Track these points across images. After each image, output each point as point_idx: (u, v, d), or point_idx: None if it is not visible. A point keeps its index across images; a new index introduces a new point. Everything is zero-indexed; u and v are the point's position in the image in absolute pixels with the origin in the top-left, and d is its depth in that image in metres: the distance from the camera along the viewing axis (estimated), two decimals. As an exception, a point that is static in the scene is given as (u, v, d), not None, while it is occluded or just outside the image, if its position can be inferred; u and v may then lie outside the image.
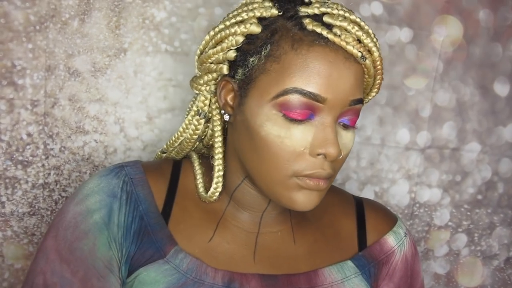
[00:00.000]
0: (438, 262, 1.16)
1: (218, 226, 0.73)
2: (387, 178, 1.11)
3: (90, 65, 0.97)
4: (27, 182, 0.98)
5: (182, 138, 0.78)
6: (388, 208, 1.10)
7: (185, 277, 0.68)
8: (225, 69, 0.70)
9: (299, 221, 0.78)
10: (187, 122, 0.77)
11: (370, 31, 0.67)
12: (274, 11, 0.66)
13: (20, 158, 0.97)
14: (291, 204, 0.68)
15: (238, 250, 0.72)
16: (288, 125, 0.65)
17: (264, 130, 0.65)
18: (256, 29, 0.66)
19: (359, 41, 0.65)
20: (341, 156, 0.67)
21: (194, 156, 0.78)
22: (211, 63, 0.71)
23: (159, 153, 0.84)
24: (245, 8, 0.69)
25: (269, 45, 0.66)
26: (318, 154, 0.65)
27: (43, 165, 0.98)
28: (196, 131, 0.77)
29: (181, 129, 0.78)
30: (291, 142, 0.65)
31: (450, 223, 1.15)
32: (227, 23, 0.69)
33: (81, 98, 0.98)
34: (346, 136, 0.68)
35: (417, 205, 1.13)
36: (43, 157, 0.98)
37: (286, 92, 0.64)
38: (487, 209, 1.16)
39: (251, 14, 0.67)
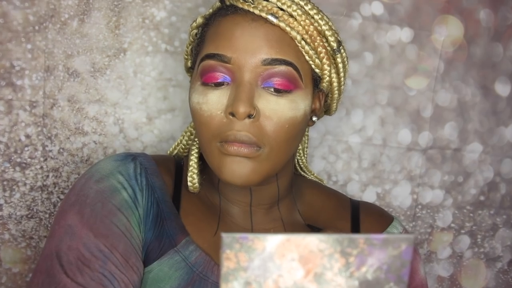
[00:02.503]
0: (441, 265, 1.15)
1: (220, 221, 0.74)
2: (389, 179, 1.11)
3: (90, 66, 0.97)
4: (25, 184, 0.97)
5: (180, 145, 0.82)
6: (391, 210, 1.10)
7: (192, 270, 0.68)
8: (189, 63, 0.78)
9: (292, 220, 0.78)
10: (186, 129, 0.83)
11: (294, 1, 0.70)
12: (218, 4, 0.73)
13: (18, 160, 0.96)
14: (220, 173, 0.68)
15: None
16: (205, 91, 0.68)
17: (191, 100, 0.70)
18: (200, 20, 0.74)
19: (281, 9, 0.69)
20: (253, 115, 0.66)
21: (194, 154, 0.78)
22: (185, 62, 0.80)
23: None
24: None
25: (200, 29, 0.74)
26: (230, 114, 0.66)
27: (41, 167, 0.97)
28: (191, 136, 0.81)
29: (180, 137, 0.84)
30: (208, 106, 0.67)
31: (452, 225, 1.14)
32: None
33: (80, 99, 0.97)
34: (277, 102, 0.67)
35: (420, 206, 1.12)
36: (42, 159, 0.97)
37: (201, 60, 0.70)
38: (490, 210, 1.16)
39: (203, 14, 0.76)
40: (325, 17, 0.72)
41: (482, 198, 1.15)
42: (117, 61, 0.97)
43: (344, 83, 0.77)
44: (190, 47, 0.77)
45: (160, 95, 1.00)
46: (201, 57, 0.70)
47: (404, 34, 1.07)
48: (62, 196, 0.99)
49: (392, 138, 1.10)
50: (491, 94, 1.12)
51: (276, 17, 0.67)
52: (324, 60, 0.72)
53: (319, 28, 0.71)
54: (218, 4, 0.73)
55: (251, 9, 0.68)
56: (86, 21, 0.95)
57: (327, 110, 0.82)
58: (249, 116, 0.66)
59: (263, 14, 0.67)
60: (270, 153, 0.68)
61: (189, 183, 0.74)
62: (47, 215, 0.98)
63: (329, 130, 1.07)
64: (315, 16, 0.70)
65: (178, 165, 0.79)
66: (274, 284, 0.44)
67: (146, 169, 0.73)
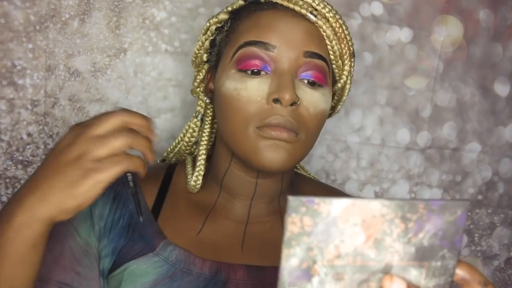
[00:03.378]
0: (438, 263, 1.16)
1: (207, 219, 0.75)
2: (387, 178, 1.11)
3: (90, 65, 0.97)
4: (27, 182, 0.98)
5: (182, 142, 0.82)
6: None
7: (173, 267, 0.69)
8: (204, 56, 0.78)
9: None
10: (187, 127, 0.83)
11: (326, 3, 0.73)
12: (241, 2, 0.75)
13: (20, 158, 0.97)
14: (258, 160, 0.69)
15: (226, 241, 0.74)
16: (244, 79, 0.69)
17: (224, 87, 0.71)
18: (224, 16, 0.75)
19: (315, 9, 0.72)
20: (296, 104, 0.69)
21: (189, 158, 0.81)
22: (194, 60, 0.79)
23: (158, 161, 0.87)
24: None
25: (229, 21, 0.75)
26: (274, 100, 0.68)
27: (43, 165, 0.98)
28: (194, 133, 0.82)
29: (181, 134, 0.84)
30: (247, 92, 0.68)
31: (450, 223, 1.15)
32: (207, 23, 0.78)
33: (81, 98, 0.98)
34: (312, 94, 0.71)
35: (417, 205, 1.13)
36: (44, 157, 0.98)
37: (239, 47, 0.71)
38: (488, 209, 1.16)
39: (224, 9, 0.77)
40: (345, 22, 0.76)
41: (480, 197, 1.15)
42: (118, 61, 0.98)
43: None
44: (207, 42, 0.78)
45: (160, 95, 1.00)
46: (239, 44, 0.71)
47: (403, 34, 1.07)
48: (63, 194, 1.00)
49: (391, 138, 1.10)
50: (490, 94, 1.12)
51: (315, 16, 0.71)
52: (346, 62, 0.76)
53: (345, 30, 0.74)
54: (241, 2, 0.75)
55: (292, 6, 0.71)
56: (87, 21, 0.96)
57: (329, 113, 0.84)
58: (293, 103, 0.68)
59: (304, 11, 0.70)
60: (305, 141, 0.71)
61: (192, 183, 0.76)
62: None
63: (328, 129, 1.08)
64: (340, 20, 0.74)
65: (170, 170, 0.80)
66: (335, 250, 0.44)
67: (123, 183, 0.75)
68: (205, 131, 0.79)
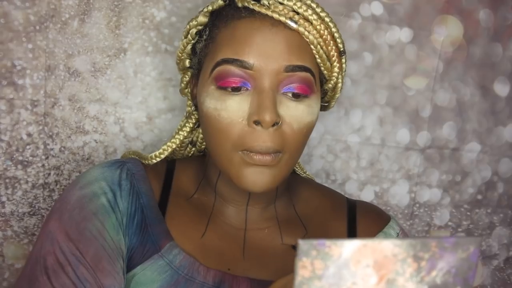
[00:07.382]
0: (438, 262, 1.16)
1: (210, 222, 0.74)
2: (387, 178, 1.11)
3: (90, 65, 0.97)
4: (27, 182, 0.98)
5: (175, 145, 0.78)
6: (388, 208, 1.11)
7: (177, 273, 0.68)
8: (187, 62, 0.74)
9: (287, 219, 0.77)
10: (179, 127, 0.80)
11: (309, 2, 0.68)
12: (221, 2, 0.70)
13: (20, 158, 0.97)
14: (240, 183, 0.67)
15: (228, 247, 0.73)
16: (223, 97, 0.66)
17: (205, 105, 0.68)
18: (203, 19, 0.71)
19: (297, 12, 0.67)
20: (279, 123, 0.65)
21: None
22: (178, 62, 0.76)
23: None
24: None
25: (207, 29, 0.71)
26: (254, 122, 0.65)
27: (43, 165, 0.98)
28: (189, 135, 0.79)
29: (174, 134, 0.80)
30: (227, 113, 0.65)
31: (450, 223, 1.15)
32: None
33: (81, 98, 0.98)
34: (296, 108, 0.67)
35: (417, 205, 1.13)
36: (43, 157, 0.98)
37: (217, 64, 0.67)
38: (487, 209, 1.16)
39: (203, 10, 0.72)
40: (332, 19, 0.71)
41: (479, 197, 1.15)
42: (118, 61, 0.98)
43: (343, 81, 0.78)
44: (188, 46, 0.74)
45: (160, 95, 1.00)
46: (217, 61, 0.67)
47: (403, 34, 1.07)
48: (63, 194, 1.00)
49: (391, 138, 1.10)
50: (490, 94, 1.12)
51: (295, 22, 0.67)
52: (335, 63, 0.72)
53: (331, 31, 0.70)
54: (220, 2, 0.70)
55: (270, 13, 0.66)
56: (87, 21, 0.96)
57: (324, 108, 0.82)
58: (274, 124, 0.65)
59: (283, 19, 0.66)
60: (288, 159, 0.68)
61: (156, 153, 0.77)
62: (48, 212, 0.99)
63: (328, 129, 1.08)
64: (326, 19, 0.69)
65: (169, 167, 0.78)
66: None
67: (133, 175, 0.73)
68: (185, 129, 0.78)
